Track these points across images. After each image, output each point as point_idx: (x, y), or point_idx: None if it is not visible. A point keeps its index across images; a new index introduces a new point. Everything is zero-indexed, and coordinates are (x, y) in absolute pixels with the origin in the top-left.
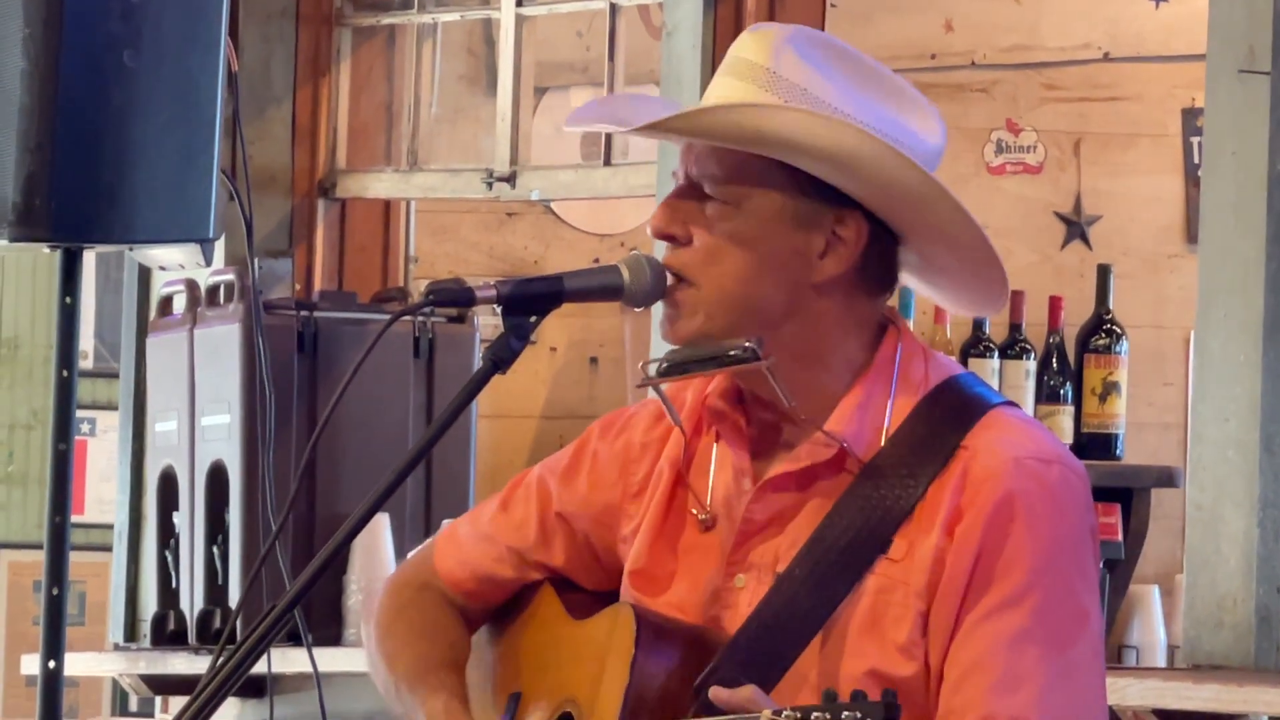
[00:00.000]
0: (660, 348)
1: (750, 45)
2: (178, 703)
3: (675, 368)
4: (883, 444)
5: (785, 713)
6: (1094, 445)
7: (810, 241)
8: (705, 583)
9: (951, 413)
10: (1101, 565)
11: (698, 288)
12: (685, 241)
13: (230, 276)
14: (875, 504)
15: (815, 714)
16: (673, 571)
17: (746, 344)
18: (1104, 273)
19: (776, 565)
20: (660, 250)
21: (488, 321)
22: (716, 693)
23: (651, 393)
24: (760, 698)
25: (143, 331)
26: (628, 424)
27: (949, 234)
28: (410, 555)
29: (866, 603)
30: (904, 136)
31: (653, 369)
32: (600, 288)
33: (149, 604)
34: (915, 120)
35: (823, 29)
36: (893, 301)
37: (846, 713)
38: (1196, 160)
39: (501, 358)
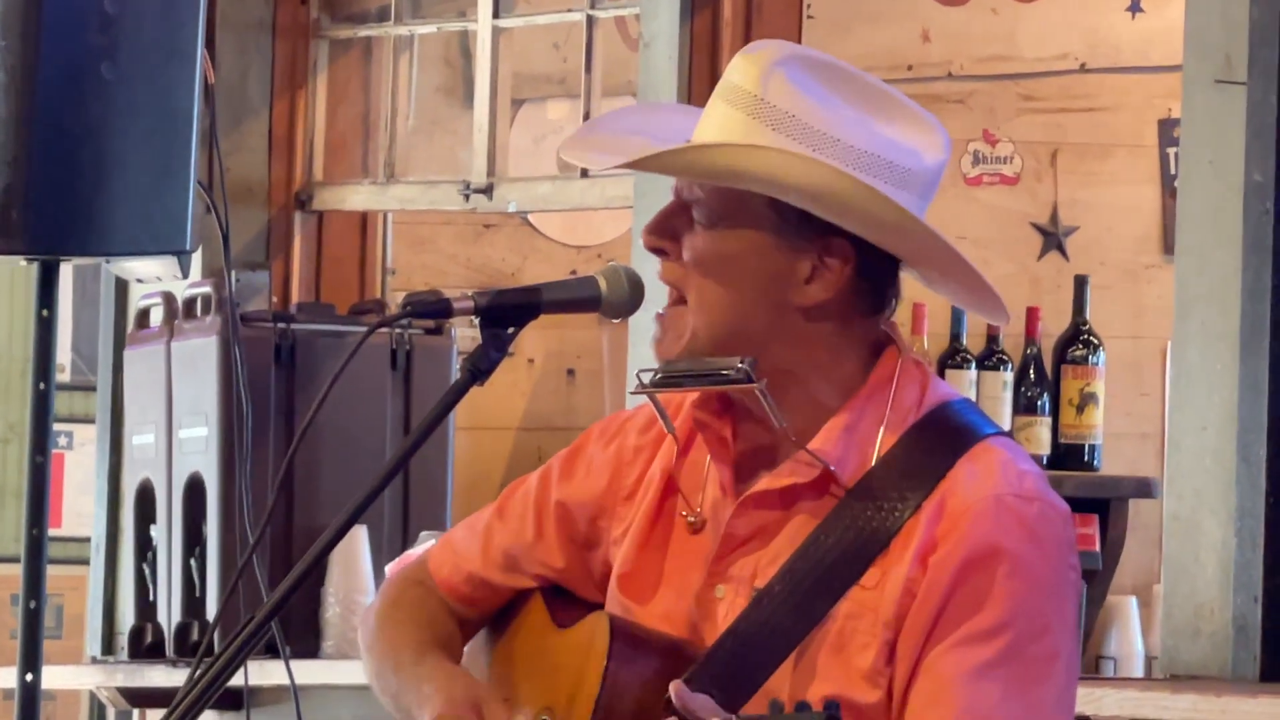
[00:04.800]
0: (638, 359)
1: (740, 70)
2: (155, 716)
3: (670, 380)
4: (872, 467)
5: (732, 719)
6: (1071, 456)
7: (795, 267)
8: (690, 590)
9: (941, 441)
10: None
11: (685, 304)
12: (675, 257)
13: (207, 289)
14: (859, 529)
15: None
16: (661, 576)
17: (740, 364)
18: (1081, 283)
19: (755, 580)
20: (637, 262)
21: (465, 334)
22: (677, 684)
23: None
24: (712, 708)
25: (120, 344)
26: (622, 428)
27: (937, 262)
28: (406, 563)
29: (835, 627)
30: (901, 156)
31: (647, 378)
32: (578, 299)
33: (126, 617)
34: (915, 136)
35: (799, 40)
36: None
37: None
38: (1173, 171)
39: (480, 369)
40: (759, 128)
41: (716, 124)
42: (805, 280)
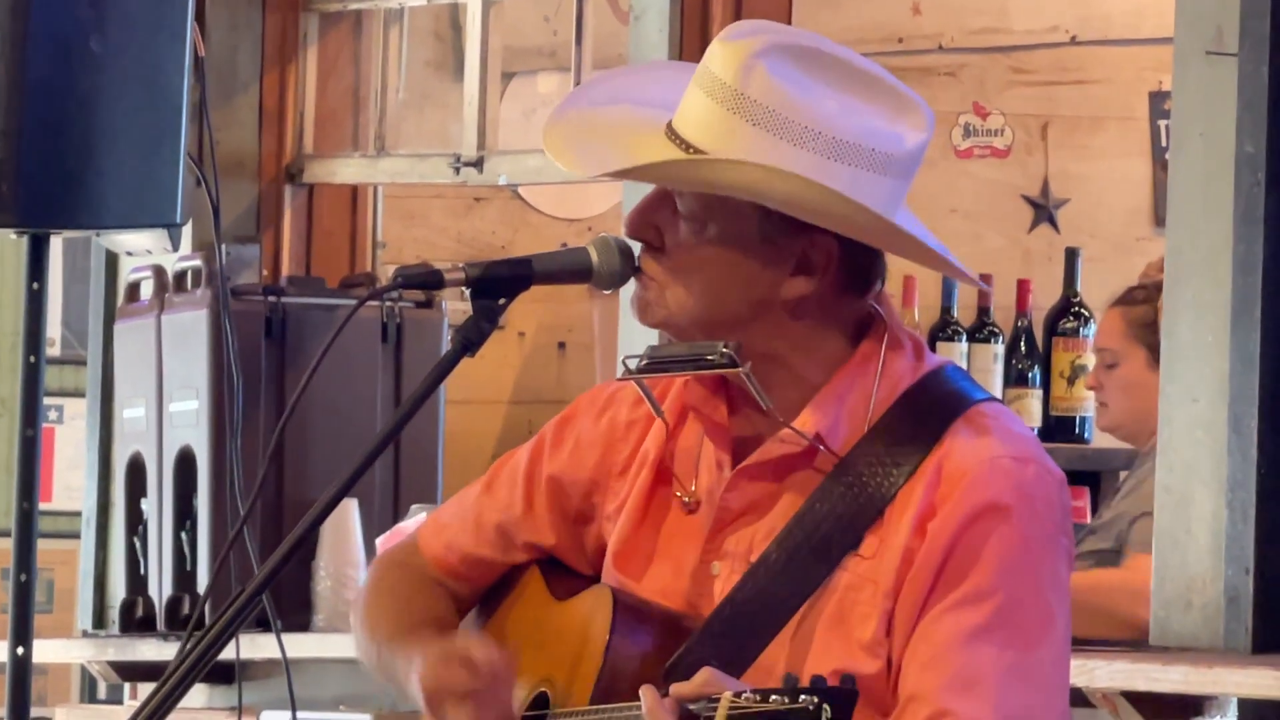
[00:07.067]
0: (628, 333)
1: (720, 60)
2: (146, 689)
3: (656, 365)
4: (864, 434)
5: (745, 694)
6: (1062, 428)
7: (779, 261)
8: (686, 567)
9: (932, 407)
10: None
11: (664, 288)
12: (657, 245)
13: (197, 262)
14: (853, 496)
15: (774, 696)
16: (656, 552)
17: (724, 349)
18: (1072, 256)
19: (750, 554)
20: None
21: (456, 307)
22: (678, 688)
23: None
24: (719, 678)
25: (110, 318)
26: (611, 400)
27: (915, 252)
28: (396, 539)
29: (835, 599)
30: (882, 141)
31: (633, 363)
32: (569, 270)
33: (117, 590)
34: (898, 118)
35: (789, 14)
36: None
37: (804, 696)
38: (1164, 143)
39: (470, 340)
40: (739, 124)
41: (696, 118)
42: (790, 274)
